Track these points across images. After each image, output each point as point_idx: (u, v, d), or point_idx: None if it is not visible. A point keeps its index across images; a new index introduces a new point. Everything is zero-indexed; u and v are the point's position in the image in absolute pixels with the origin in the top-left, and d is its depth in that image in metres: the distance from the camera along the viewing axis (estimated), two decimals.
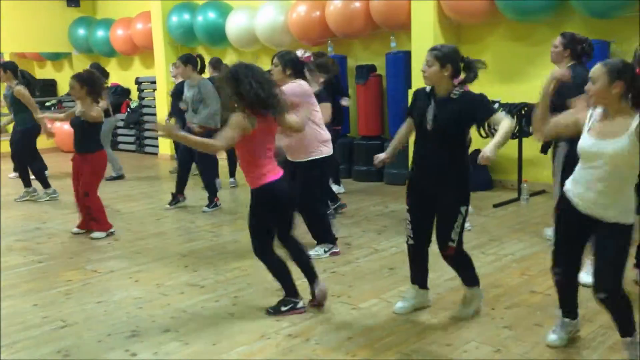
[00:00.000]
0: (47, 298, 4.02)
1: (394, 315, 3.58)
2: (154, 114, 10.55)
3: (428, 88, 3.36)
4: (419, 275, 3.62)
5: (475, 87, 7.55)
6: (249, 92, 3.29)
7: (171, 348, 3.27)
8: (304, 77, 4.55)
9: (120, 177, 8.41)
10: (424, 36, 6.86)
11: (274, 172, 3.47)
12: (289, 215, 3.61)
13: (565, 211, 2.93)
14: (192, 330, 3.48)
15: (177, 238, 5.50)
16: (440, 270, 4.30)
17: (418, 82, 7.01)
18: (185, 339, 3.37)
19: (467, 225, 5.11)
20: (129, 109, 11.21)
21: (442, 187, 3.33)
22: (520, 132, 6.25)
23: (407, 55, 7.20)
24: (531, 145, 6.24)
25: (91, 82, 5.34)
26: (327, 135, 4.63)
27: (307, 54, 8.00)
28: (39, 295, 4.08)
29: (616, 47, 5.89)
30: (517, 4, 6.23)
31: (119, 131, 11.48)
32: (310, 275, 3.69)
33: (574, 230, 2.92)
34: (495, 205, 6.15)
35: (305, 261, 3.70)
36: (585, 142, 2.78)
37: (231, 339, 3.35)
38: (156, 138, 10.48)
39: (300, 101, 4.29)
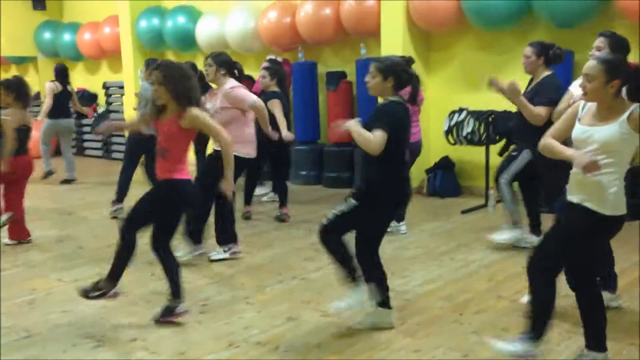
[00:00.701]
0: (10, 308, 3.93)
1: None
2: (123, 119, 10.41)
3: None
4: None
5: (443, 95, 7.67)
6: (195, 89, 3.50)
7: (138, 357, 3.22)
8: (235, 77, 4.76)
9: (70, 180, 8.42)
10: (394, 43, 6.92)
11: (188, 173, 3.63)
12: (179, 218, 3.66)
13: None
14: (159, 339, 3.43)
15: (144, 246, 5.38)
16: (409, 276, 4.35)
17: None
18: (153, 347, 3.32)
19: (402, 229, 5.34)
20: (95, 114, 11.04)
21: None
22: (487, 139, 6.35)
23: None
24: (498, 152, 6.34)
25: (17, 88, 5.29)
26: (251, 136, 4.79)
27: (277, 60, 8.02)
28: (2, 305, 3.98)
29: (580, 56, 6.04)
30: (484, 13, 6.34)
31: (85, 136, 11.29)
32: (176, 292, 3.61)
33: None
34: (463, 212, 6.22)
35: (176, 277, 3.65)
36: (577, 130, 2.75)
37: (199, 347, 3.32)
38: (124, 144, 10.33)
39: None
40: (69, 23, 11.47)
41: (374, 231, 3.42)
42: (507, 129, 5.44)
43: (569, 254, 2.80)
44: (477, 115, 6.38)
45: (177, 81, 3.44)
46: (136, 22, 9.73)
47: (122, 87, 10.45)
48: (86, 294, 3.61)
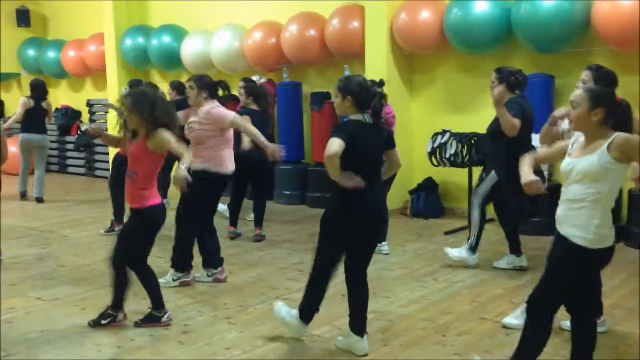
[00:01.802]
0: None
1: None
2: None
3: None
4: None
5: (426, 116, 7.72)
6: (163, 113, 3.66)
7: None
8: (218, 98, 4.78)
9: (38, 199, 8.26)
10: (377, 65, 7.00)
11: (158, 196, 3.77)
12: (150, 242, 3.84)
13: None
14: (140, 358, 3.39)
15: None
16: (392, 297, 4.35)
17: None
18: None
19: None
20: (79, 131, 10.96)
21: None
22: (470, 161, 6.41)
23: None
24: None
25: None
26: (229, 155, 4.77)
27: (262, 80, 8.07)
28: None
29: (561, 81, 6.15)
30: (466, 37, 6.44)
31: (69, 154, 11.19)
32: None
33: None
34: (446, 233, 6.25)
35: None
36: (563, 163, 2.82)
37: None
38: (107, 161, 10.26)
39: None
40: (53, 40, 11.43)
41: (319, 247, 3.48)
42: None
43: (565, 291, 2.82)
44: (460, 137, 6.45)
45: (146, 107, 3.60)
46: (121, 40, 9.73)
47: (105, 105, 10.39)
48: (98, 322, 3.81)
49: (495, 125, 4.68)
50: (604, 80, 3.51)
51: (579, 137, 2.84)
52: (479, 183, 4.95)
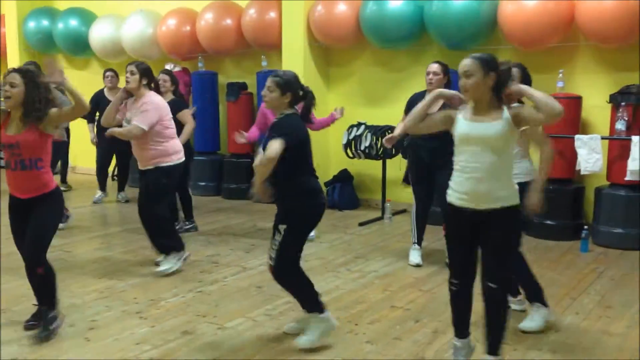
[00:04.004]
0: None
1: (259, 334, 3.57)
2: None
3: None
4: None
5: (345, 110, 7.78)
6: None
7: None
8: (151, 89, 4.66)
9: None
10: (294, 57, 7.00)
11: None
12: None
13: (454, 220, 2.97)
14: (43, 357, 3.22)
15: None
16: None
17: None
18: None
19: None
20: None
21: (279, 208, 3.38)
22: (384, 154, 6.55)
23: None
24: (394, 167, 6.56)
25: None
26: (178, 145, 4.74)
27: (176, 68, 7.86)
28: None
29: None
30: (380, 32, 6.56)
31: None
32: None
33: (467, 237, 2.93)
34: (360, 224, 6.36)
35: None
36: (463, 127, 2.85)
37: None
38: None
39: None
40: None
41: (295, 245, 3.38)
42: (401, 145, 5.62)
43: None
44: (375, 130, 6.57)
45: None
46: (24, 22, 9.19)
47: None
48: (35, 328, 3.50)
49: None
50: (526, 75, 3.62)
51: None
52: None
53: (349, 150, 6.71)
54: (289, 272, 3.36)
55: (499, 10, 5.97)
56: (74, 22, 8.77)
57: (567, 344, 3.45)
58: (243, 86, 7.73)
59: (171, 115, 4.68)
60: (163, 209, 4.67)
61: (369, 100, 7.18)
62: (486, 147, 2.80)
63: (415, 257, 4.94)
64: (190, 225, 6.01)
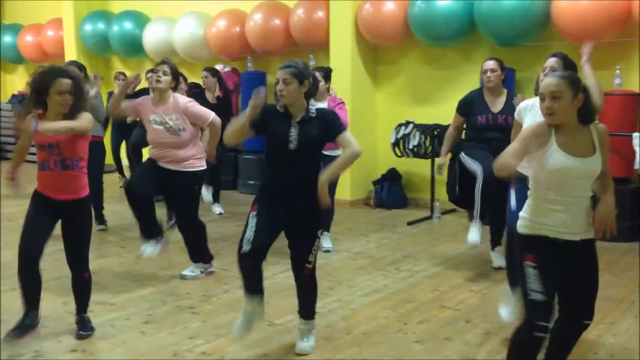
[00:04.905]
0: None
1: None
2: None
3: (281, 107, 3.21)
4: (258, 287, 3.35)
5: (390, 108, 7.77)
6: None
7: None
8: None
9: None
10: (342, 56, 7.01)
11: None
12: None
13: (543, 249, 2.54)
14: (100, 349, 3.35)
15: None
16: (355, 286, 4.39)
17: None
18: (93, 358, 3.23)
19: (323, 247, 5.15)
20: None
21: (302, 209, 3.16)
22: (433, 153, 6.50)
23: None
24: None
25: None
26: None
27: (226, 69, 7.99)
28: None
29: (521, 74, 6.28)
30: (429, 29, 6.51)
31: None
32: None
33: (558, 269, 2.57)
34: (409, 223, 6.33)
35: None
36: (565, 161, 2.48)
37: (142, 357, 3.25)
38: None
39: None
40: (9, 24, 11.08)
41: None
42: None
43: None
44: (423, 129, 6.52)
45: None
46: (81, 26, 9.51)
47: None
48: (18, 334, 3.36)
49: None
50: (572, 68, 3.45)
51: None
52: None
53: (397, 149, 6.68)
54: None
55: (552, 5, 5.83)
56: (128, 25, 9.02)
57: (625, 349, 3.36)
58: None
59: None
60: (197, 217, 4.57)
61: (417, 98, 7.13)
62: (588, 180, 2.56)
63: (474, 235, 4.47)
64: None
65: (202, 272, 4.60)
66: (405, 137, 6.61)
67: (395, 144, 6.68)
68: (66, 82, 3.23)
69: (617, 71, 5.60)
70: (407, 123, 6.67)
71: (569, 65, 3.50)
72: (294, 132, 3.12)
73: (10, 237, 5.13)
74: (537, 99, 2.91)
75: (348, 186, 7.11)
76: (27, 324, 3.36)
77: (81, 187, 3.39)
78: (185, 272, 4.56)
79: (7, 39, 10.71)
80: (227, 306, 4.00)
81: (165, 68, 4.32)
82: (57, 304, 4.00)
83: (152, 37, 8.66)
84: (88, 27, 9.39)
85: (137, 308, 3.95)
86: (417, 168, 7.05)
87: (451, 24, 6.37)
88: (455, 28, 6.41)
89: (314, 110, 3.18)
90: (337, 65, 7.06)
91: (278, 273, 4.69)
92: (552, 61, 3.56)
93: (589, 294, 2.64)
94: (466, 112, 4.71)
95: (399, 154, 6.69)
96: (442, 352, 3.32)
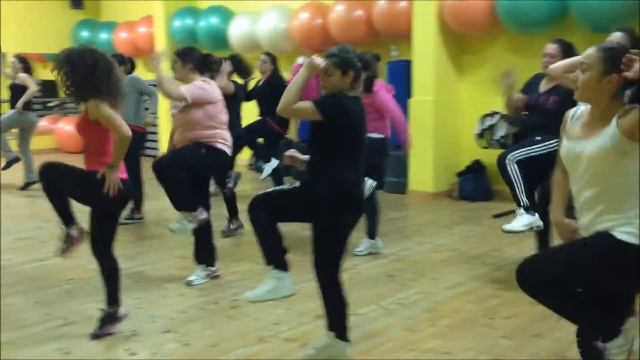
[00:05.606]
0: (48, 296, 4.03)
1: (391, 322, 3.60)
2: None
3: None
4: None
5: (475, 98, 7.59)
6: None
7: (171, 348, 3.28)
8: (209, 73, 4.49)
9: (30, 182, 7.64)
10: (425, 45, 6.91)
11: (122, 171, 3.31)
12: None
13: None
14: (191, 331, 3.49)
15: (173, 242, 5.48)
16: (439, 279, 4.34)
17: (419, 91, 7.08)
18: (185, 339, 3.38)
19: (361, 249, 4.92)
20: None
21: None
22: None
23: (408, 64, 7.24)
24: None
25: None
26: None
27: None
28: (40, 294, 4.09)
29: None
30: (518, 15, 6.29)
31: None
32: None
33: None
34: (495, 216, 6.17)
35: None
36: (564, 147, 2.26)
37: (229, 341, 3.37)
38: (155, 140, 10.48)
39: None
40: (105, 22, 11.70)
41: (320, 242, 3.02)
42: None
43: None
44: (511, 120, 6.32)
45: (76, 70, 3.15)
46: (170, 22, 9.88)
47: (155, 86, 10.59)
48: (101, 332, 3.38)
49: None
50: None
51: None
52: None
53: (482, 140, 6.51)
54: None
55: None
56: (214, 20, 9.30)
57: None
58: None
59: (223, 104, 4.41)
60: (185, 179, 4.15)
61: None
62: (595, 166, 2.21)
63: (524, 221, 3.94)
64: (237, 225, 5.61)
65: (207, 275, 4.35)
66: (491, 128, 6.42)
67: (480, 135, 6.50)
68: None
69: None
70: (493, 113, 6.47)
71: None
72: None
73: None
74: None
75: (430, 178, 7.03)
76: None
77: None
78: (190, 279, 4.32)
79: (103, 36, 11.31)
80: (310, 294, 4.04)
81: (174, 56, 4.30)
82: (151, 286, 4.21)
83: (237, 31, 8.88)
84: (177, 23, 9.75)
85: (224, 293, 4.08)
86: None
87: (541, 9, 6.13)
88: (546, 13, 6.17)
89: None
90: (420, 55, 6.99)
91: (361, 263, 4.72)
92: (615, 35, 3.37)
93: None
94: (523, 92, 4.39)
95: (484, 145, 6.52)
96: (531, 349, 3.23)
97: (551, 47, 4.12)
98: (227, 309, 3.83)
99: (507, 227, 4.00)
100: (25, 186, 7.71)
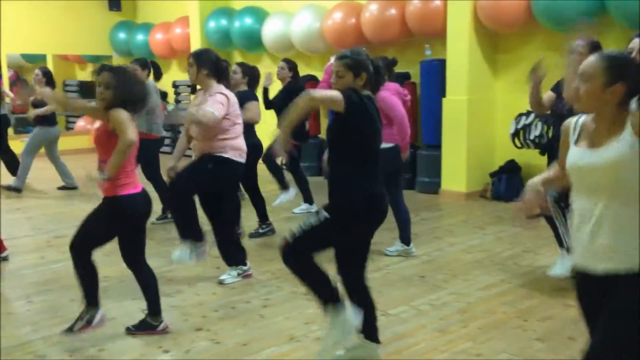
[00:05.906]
0: None
1: (423, 323, 3.58)
2: None
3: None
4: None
5: (510, 97, 7.49)
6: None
7: (202, 346, 3.33)
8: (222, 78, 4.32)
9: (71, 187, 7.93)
10: (459, 45, 6.84)
11: (136, 185, 3.30)
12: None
13: (579, 284, 2.24)
14: (223, 329, 3.54)
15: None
16: (471, 280, 4.30)
17: (453, 90, 7.02)
18: (217, 338, 3.43)
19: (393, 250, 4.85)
20: (165, 112, 11.40)
21: None
22: (556, 143, 6.17)
23: (442, 63, 7.18)
24: None
25: None
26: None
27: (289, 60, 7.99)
28: (76, 291, 4.17)
29: None
30: (555, 13, 6.17)
31: None
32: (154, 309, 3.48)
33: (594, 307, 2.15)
34: (529, 217, 6.06)
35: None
36: (573, 156, 2.07)
37: (261, 340, 3.40)
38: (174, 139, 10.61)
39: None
40: (142, 23, 11.92)
41: (341, 248, 2.99)
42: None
43: None
44: (546, 119, 6.21)
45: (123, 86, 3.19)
46: (205, 23, 10.00)
47: (190, 86, 10.75)
48: (71, 329, 3.35)
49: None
50: None
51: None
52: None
53: (516, 140, 6.42)
54: None
55: None
56: (248, 20, 9.38)
57: None
58: (406, 76, 7.71)
59: (239, 112, 4.31)
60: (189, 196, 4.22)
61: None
62: (603, 179, 2.03)
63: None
64: (268, 229, 5.61)
65: (238, 274, 4.41)
66: (526, 128, 6.34)
67: (515, 134, 6.42)
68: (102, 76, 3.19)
69: None
70: (528, 113, 6.39)
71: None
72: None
73: None
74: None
75: (463, 178, 6.96)
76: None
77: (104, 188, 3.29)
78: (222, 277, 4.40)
79: (140, 37, 11.52)
80: (341, 295, 4.06)
81: (191, 59, 4.16)
82: (184, 285, 4.27)
83: (271, 31, 8.94)
84: (212, 24, 9.86)
85: (257, 293, 4.12)
86: (538, 160, 6.71)
87: (579, 6, 6.00)
88: (584, 10, 6.03)
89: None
90: (454, 54, 6.92)
91: (392, 264, 4.70)
92: (634, 42, 3.09)
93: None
94: (553, 91, 4.28)
95: (519, 145, 6.43)
96: (565, 352, 3.17)
97: (580, 44, 4.00)
98: (258, 308, 3.86)
99: (552, 273, 4.16)
100: (62, 188, 8.04)
